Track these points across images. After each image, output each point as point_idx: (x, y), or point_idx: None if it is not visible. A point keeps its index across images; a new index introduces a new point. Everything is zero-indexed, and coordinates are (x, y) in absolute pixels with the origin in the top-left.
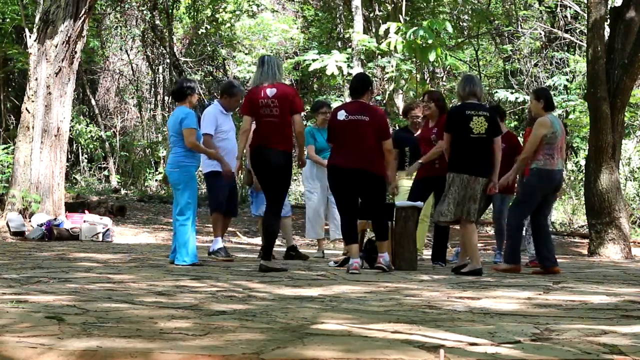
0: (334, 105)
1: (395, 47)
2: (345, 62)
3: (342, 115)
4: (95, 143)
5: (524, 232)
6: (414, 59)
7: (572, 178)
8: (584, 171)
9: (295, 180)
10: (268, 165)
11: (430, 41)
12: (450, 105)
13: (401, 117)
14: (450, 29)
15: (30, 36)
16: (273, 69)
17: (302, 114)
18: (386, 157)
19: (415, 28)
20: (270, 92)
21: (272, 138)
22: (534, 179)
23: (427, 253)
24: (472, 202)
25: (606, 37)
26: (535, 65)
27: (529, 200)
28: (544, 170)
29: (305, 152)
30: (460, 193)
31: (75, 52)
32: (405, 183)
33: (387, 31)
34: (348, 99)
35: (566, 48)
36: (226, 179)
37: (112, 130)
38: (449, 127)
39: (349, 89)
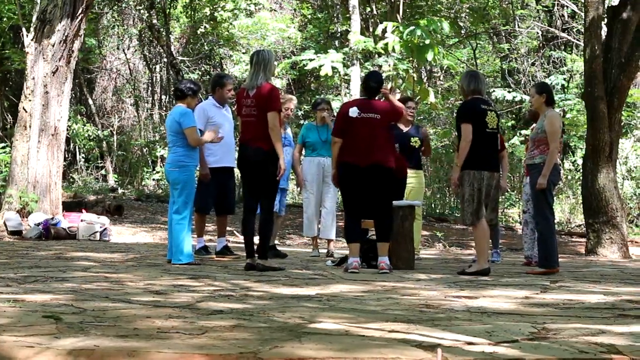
0: (334, 102)
1: (393, 47)
2: (341, 62)
3: (354, 112)
4: (92, 142)
5: (522, 228)
6: (411, 58)
7: (569, 177)
8: (581, 170)
9: (293, 179)
10: (248, 162)
11: (427, 41)
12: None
13: None
14: (446, 28)
15: (27, 35)
16: (258, 70)
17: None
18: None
19: (412, 27)
20: (251, 92)
21: (252, 137)
22: (549, 174)
23: (424, 252)
24: (489, 199)
25: (603, 37)
26: (533, 64)
27: (550, 198)
28: (555, 164)
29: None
30: (481, 191)
31: (73, 51)
32: (414, 181)
33: (384, 30)
34: (345, 98)
35: (563, 47)
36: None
37: (109, 130)
38: (467, 118)
39: (363, 87)
